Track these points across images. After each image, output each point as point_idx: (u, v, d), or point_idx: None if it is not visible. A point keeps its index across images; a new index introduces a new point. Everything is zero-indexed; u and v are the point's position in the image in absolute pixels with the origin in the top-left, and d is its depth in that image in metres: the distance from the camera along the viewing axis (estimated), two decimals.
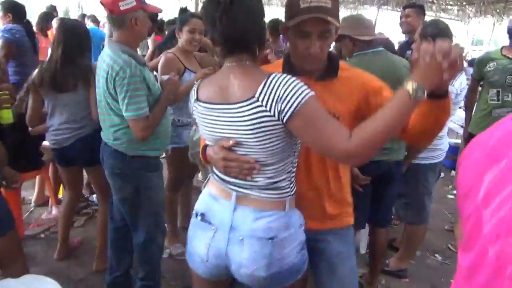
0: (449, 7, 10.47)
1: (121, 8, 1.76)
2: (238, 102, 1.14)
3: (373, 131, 1.03)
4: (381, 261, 2.46)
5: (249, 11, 1.15)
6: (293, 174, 1.25)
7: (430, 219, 2.70)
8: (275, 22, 4.05)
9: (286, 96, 1.08)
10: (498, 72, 2.94)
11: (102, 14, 6.89)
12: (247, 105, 1.12)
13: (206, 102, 1.21)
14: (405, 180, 2.44)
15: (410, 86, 0.99)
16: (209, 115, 1.21)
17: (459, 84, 2.38)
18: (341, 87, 1.31)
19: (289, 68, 1.31)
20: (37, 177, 3.36)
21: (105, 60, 1.80)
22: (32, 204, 3.41)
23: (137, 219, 1.99)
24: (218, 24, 1.13)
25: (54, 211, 3.18)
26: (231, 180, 1.23)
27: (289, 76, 1.11)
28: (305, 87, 1.10)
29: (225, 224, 1.21)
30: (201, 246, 1.26)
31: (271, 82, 1.10)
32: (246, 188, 1.21)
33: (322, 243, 1.40)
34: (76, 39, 2.31)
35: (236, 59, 1.19)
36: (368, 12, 11.43)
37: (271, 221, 1.18)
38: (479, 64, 3.06)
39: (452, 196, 3.96)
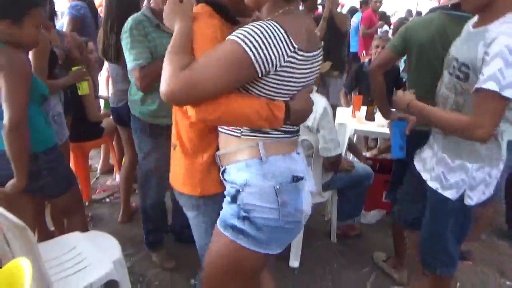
0: None
1: None
2: (318, 49, 1.20)
3: None
4: None
5: None
6: None
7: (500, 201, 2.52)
8: None
9: None
10: None
11: None
12: (321, 51, 1.23)
13: (305, 51, 1.10)
14: None
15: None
16: (304, 65, 1.11)
17: None
18: None
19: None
20: (102, 147, 3.58)
21: None
22: (98, 171, 3.64)
23: None
24: None
25: (118, 178, 3.37)
26: (295, 128, 1.23)
27: None
28: None
29: (304, 169, 1.22)
30: (307, 202, 1.22)
31: None
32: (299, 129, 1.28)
33: None
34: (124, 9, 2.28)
35: (295, 5, 1.17)
36: None
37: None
38: None
39: None
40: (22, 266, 0.97)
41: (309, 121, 2.16)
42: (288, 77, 1.08)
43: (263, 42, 1.00)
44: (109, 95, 2.84)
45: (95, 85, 3.06)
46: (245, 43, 1.00)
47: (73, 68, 2.52)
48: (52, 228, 2.38)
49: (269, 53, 1.01)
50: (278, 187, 1.13)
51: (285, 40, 1.03)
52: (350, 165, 2.47)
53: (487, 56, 1.31)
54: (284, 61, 1.04)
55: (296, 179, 1.17)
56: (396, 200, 2.06)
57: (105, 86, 3.83)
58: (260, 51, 1.00)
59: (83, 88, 2.58)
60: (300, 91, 1.15)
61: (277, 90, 1.10)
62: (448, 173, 1.57)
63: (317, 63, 1.20)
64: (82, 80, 2.54)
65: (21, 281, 0.90)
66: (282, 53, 1.03)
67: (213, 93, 1.04)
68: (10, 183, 1.62)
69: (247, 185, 1.12)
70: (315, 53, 1.16)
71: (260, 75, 1.05)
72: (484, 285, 2.32)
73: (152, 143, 2.13)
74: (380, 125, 2.97)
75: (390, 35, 5.08)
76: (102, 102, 3.66)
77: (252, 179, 1.12)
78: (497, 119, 1.34)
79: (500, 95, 1.27)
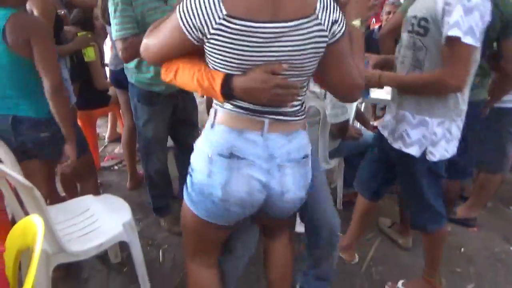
0: None
1: None
2: (294, 20, 1.00)
3: None
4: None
5: None
6: None
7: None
8: None
9: (339, 19, 1.06)
10: None
11: None
12: (306, 23, 1.01)
13: (244, 20, 0.97)
14: (486, 125, 2.25)
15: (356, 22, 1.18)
16: (248, 36, 0.98)
17: None
18: None
19: None
20: (109, 115, 3.59)
21: None
22: (106, 140, 3.67)
23: None
24: None
25: None
26: (264, 109, 1.10)
27: None
28: None
29: (261, 155, 1.11)
30: (240, 186, 1.11)
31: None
32: (279, 114, 1.12)
33: None
34: None
35: None
36: None
37: (300, 141, 1.18)
38: None
39: None
40: (34, 221, 0.99)
41: (316, 87, 2.13)
42: (221, 46, 1.00)
43: (191, 7, 0.99)
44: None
45: (101, 53, 3.05)
46: (179, 8, 1.01)
47: (79, 34, 2.50)
48: (63, 194, 2.43)
49: (195, 19, 0.98)
50: (210, 155, 1.11)
51: (214, 6, 0.96)
52: (358, 132, 2.46)
53: (449, 6, 1.35)
54: (213, 29, 0.98)
55: (232, 156, 1.10)
56: (358, 168, 2.10)
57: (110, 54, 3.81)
58: (187, 16, 0.99)
59: (89, 55, 2.57)
60: (256, 67, 1.03)
61: (216, 60, 1.05)
62: (411, 129, 1.59)
63: (296, 37, 1.02)
64: (87, 45, 2.53)
65: (33, 232, 0.93)
66: (209, 19, 0.97)
67: (159, 55, 1.12)
68: (68, 148, 1.70)
69: (195, 145, 1.19)
70: (284, 24, 0.99)
71: (196, 42, 1.03)
72: (488, 250, 2.34)
73: (150, 110, 2.12)
74: (388, 93, 2.92)
75: (402, 0, 4.91)
76: (108, 70, 3.65)
77: (199, 140, 1.18)
78: (468, 66, 1.38)
79: (461, 41, 1.32)
